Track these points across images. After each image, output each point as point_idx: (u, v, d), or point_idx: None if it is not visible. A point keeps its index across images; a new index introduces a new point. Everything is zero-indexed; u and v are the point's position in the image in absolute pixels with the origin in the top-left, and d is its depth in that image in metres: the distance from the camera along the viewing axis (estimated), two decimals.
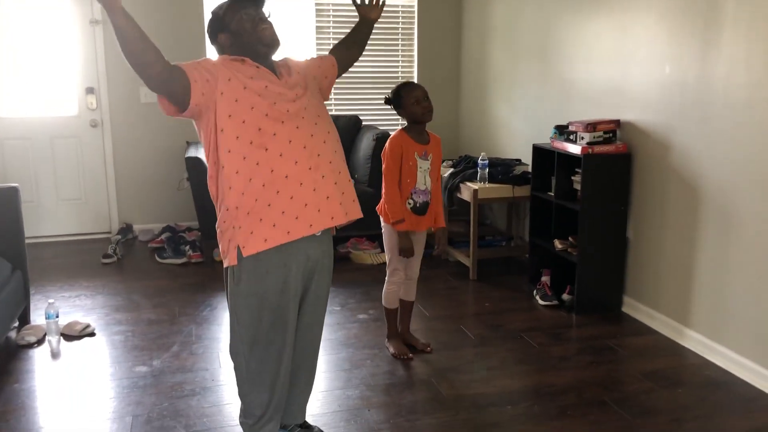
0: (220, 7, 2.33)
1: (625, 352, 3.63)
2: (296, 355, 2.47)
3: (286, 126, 2.18)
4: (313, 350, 2.56)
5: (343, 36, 2.73)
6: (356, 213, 2.36)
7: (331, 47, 2.86)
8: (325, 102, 2.52)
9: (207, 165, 2.23)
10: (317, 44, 6.01)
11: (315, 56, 2.60)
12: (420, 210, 3.37)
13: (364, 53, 2.81)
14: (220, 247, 2.26)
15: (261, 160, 2.14)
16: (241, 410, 2.45)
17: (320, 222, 2.23)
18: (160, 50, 2.04)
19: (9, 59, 5.61)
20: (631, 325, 3.98)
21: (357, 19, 2.74)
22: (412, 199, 3.34)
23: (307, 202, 2.20)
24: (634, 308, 4.10)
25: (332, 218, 2.26)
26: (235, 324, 2.30)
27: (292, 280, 2.26)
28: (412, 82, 3.40)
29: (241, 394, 2.42)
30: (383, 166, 3.32)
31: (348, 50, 2.67)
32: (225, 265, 2.26)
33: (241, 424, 2.47)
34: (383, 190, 3.34)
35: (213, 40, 2.35)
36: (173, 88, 2.10)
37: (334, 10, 6.06)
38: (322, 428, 2.79)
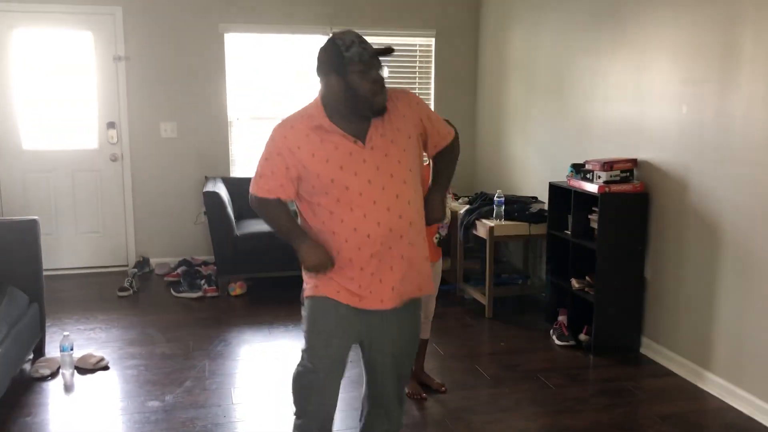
0: (346, 47, 2.16)
1: (643, 394, 3.58)
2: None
3: (364, 198, 2.20)
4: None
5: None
6: (428, 288, 2.44)
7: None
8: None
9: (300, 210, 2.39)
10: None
11: (435, 118, 2.42)
12: (442, 242, 3.40)
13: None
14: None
15: (337, 229, 2.24)
16: None
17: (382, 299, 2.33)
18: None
19: (33, 93, 5.72)
20: (649, 366, 3.93)
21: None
22: (438, 233, 3.36)
23: (371, 277, 2.27)
24: (652, 349, 4.06)
25: (393, 288, 2.31)
26: None
27: None
28: None
29: None
30: None
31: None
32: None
33: None
34: None
35: (321, 73, 2.23)
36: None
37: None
38: None
